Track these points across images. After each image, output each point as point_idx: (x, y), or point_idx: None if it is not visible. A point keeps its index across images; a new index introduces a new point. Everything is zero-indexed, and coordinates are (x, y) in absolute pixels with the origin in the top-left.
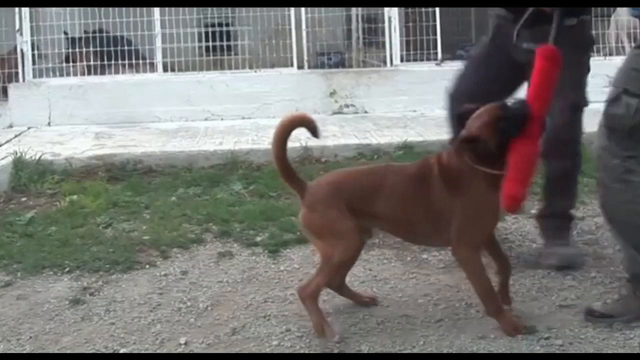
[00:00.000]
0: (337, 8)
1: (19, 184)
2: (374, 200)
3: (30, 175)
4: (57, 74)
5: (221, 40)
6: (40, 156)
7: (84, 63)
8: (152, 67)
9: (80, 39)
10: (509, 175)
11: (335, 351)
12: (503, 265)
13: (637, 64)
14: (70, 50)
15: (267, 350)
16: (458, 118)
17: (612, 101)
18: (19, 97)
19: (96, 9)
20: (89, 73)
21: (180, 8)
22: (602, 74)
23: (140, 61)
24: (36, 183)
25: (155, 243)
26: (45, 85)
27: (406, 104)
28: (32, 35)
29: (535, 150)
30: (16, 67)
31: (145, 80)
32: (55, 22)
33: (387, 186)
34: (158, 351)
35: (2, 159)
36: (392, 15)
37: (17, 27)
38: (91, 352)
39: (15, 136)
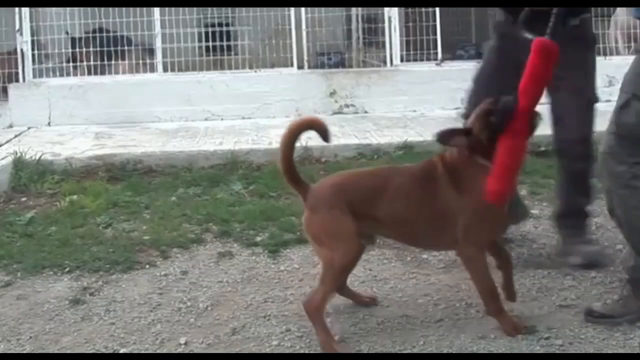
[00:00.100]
0: (337, 8)
1: (19, 184)
2: (377, 202)
3: (30, 175)
4: (57, 74)
5: (221, 40)
6: (40, 156)
7: (84, 63)
8: (152, 67)
9: (80, 39)
10: (493, 171)
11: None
12: (504, 259)
13: None
14: (71, 50)
15: (267, 350)
16: None
17: (621, 108)
18: (19, 97)
19: (96, 9)
20: (89, 73)
21: (180, 8)
22: (602, 74)
23: (141, 61)
24: (36, 183)
25: (155, 243)
26: (45, 85)
27: (406, 104)
28: (32, 35)
29: (521, 145)
30: (16, 67)
31: (145, 80)
32: (56, 22)
33: (391, 187)
34: (158, 351)
35: (2, 159)
36: (392, 15)
37: (17, 27)
38: (91, 352)
39: (15, 136)
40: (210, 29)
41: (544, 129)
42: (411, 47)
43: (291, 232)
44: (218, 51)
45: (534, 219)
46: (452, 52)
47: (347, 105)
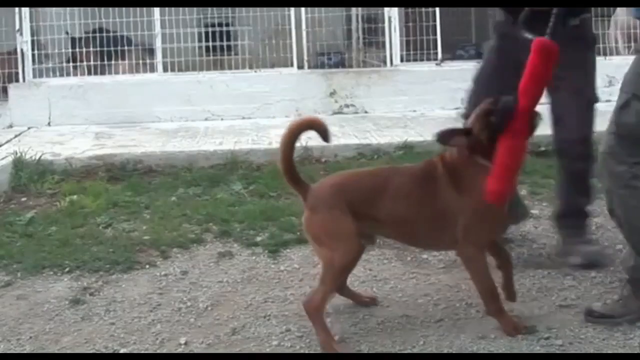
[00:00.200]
0: (337, 8)
1: (19, 184)
2: (377, 202)
3: (30, 175)
4: (57, 74)
5: (221, 40)
6: (40, 156)
7: (84, 63)
8: (152, 67)
9: (80, 39)
10: (493, 171)
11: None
12: (504, 259)
13: None
14: (71, 50)
15: (267, 350)
16: None
17: (622, 108)
18: (19, 97)
19: (96, 9)
20: (89, 73)
21: (180, 8)
22: (602, 74)
23: (141, 61)
24: (36, 183)
25: (155, 243)
26: (45, 85)
27: (406, 104)
28: (32, 35)
29: (521, 145)
30: (16, 67)
31: (145, 80)
32: (56, 22)
33: (392, 188)
34: (158, 351)
35: (2, 159)
36: (392, 15)
37: (17, 27)
38: (91, 352)
39: (15, 136)
40: (210, 29)
41: (544, 129)
42: (411, 47)
43: (291, 232)
44: (218, 51)
45: (534, 219)
46: (452, 52)
47: (347, 105)
